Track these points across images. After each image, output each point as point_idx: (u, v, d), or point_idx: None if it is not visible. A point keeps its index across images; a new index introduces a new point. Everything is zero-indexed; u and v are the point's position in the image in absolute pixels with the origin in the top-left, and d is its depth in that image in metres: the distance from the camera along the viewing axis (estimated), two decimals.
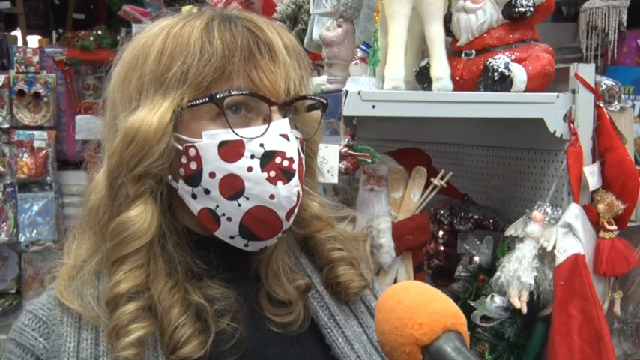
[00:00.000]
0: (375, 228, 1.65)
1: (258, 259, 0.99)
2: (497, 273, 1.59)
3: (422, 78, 1.63)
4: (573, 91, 1.61)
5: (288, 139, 0.92)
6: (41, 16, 5.82)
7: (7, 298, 4.53)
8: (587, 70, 1.62)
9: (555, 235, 1.57)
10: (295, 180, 0.92)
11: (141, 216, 0.90)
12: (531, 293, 1.57)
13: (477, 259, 1.74)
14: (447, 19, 1.64)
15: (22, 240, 4.41)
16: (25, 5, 5.34)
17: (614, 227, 1.60)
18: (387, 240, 1.64)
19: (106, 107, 0.98)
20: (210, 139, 0.90)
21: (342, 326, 1.01)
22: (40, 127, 4.46)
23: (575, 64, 1.63)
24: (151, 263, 0.92)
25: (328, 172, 1.57)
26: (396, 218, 1.68)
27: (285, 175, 0.91)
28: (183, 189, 0.93)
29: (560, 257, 1.55)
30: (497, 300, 1.59)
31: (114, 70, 0.97)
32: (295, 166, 0.92)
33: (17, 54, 4.40)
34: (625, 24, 1.84)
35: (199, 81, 0.90)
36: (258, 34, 0.93)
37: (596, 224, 1.61)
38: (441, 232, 1.92)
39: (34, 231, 4.43)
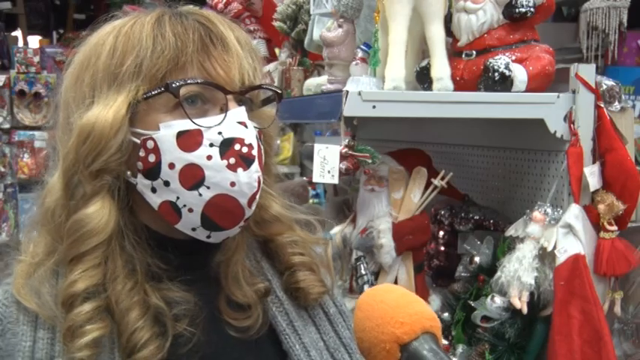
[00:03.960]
0: (375, 228, 1.65)
1: (218, 261, 0.99)
2: (498, 273, 1.59)
3: (422, 78, 1.63)
4: (574, 92, 1.61)
5: (246, 126, 0.92)
6: (42, 17, 5.83)
7: None
8: (587, 71, 1.62)
9: (556, 235, 1.57)
10: (255, 165, 0.92)
11: (98, 212, 0.89)
12: (532, 294, 1.57)
13: (477, 259, 1.74)
14: (448, 20, 1.64)
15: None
16: (26, 6, 5.35)
17: (615, 228, 1.60)
18: (387, 240, 1.64)
19: (58, 110, 0.98)
20: (167, 129, 0.90)
21: (300, 333, 1.00)
22: (41, 128, 4.46)
23: (576, 64, 1.63)
24: (108, 262, 0.90)
25: (329, 172, 1.57)
26: (397, 218, 1.68)
27: (245, 161, 0.91)
28: (142, 183, 0.92)
29: (561, 258, 1.55)
30: (498, 300, 1.59)
31: (65, 73, 0.98)
32: (255, 152, 0.92)
33: (18, 54, 4.40)
34: (625, 24, 1.84)
35: (154, 73, 0.90)
36: (209, 27, 0.94)
37: (597, 225, 1.61)
38: (441, 233, 1.92)
39: (34, 231, 4.43)
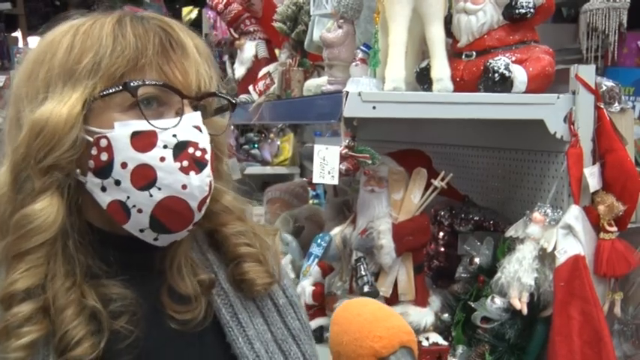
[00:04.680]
0: (375, 229, 1.65)
1: (162, 254, 0.98)
2: (498, 274, 1.59)
3: (422, 79, 1.63)
4: (574, 93, 1.61)
5: (200, 131, 0.93)
6: (42, 17, 5.82)
7: None
8: (587, 72, 1.62)
9: (556, 236, 1.57)
10: (207, 170, 0.93)
11: (46, 210, 0.88)
12: (532, 294, 1.57)
13: (477, 260, 1.74)
14: (448, 21, 1.64)
15: None
16: (26, 6, 5.35)
17: (615, 228, 1.60)
18: (387, 241, 1.64)
19: (7, 104, 0.97)
20: (122, 128, 0.90)
21: (245, 325, 1.00)
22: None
23: (576, 65, 1.63)
24: (50, 262, 0.90)
25: (329, 173, 1.57)
26: (397, 219, 1.68)
27: (198, 165, 0.92)
28: (92, 182, 0.92)
29: (561, 258, 1.55)
30: (498, 301, 1.59)
31: (18, 69, 0.98)
32: (208, 157, 0.93)
33: (18, 55, 4.41)
34: (625, 25, 1.84)
35: (112, 72, 0.90)
36: (170, 32, 0.95)
37: (597, 225, 1.61)
38: (441, 234, 1.92)
39: None
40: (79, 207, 0.94)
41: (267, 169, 5.19)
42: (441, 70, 1.57)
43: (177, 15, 4.12)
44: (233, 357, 0.99)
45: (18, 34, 5.28)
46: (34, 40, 5.38)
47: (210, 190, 0.94)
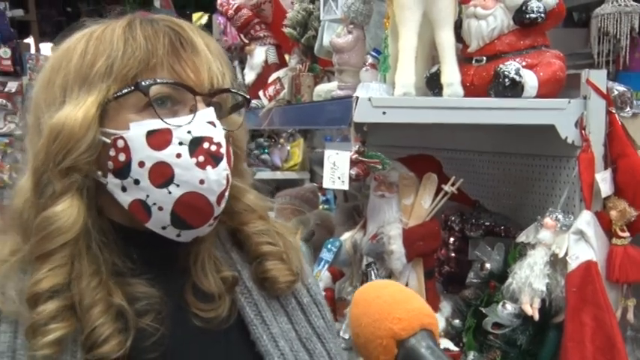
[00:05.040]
0: (385, 234, 1.65)
1: (186, 252, 1.00)
2: (509, 280, 1.58)
3: (432, 84, 1.62)
4: (585, 98, 1.61)
5: (214, 125, 0.94)
6: (54, 24, 5.88)
7: None
8: (598, 76, 1.61)
9: (567, 241, 1.56)
10: (224, 163, 0.94)
11: (67, 211, 0.90)
12: (543, 300, 1.56)
13: (488, 265, 1.74)
14: (458, 26, 1.64)
15: None
16: (38, 13, 5.40)
17: (627, 234, 1.59)
18: (397, 246, 1.64)
19: (28, 113, 1.00)
20: (137, 128, 0.92)
21: (269, 323, 1.01)
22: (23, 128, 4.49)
23: (587, 70, 1.62)
24: (75, 262, 0.91)
25: (339, 178, 1.58)
26: (407, 225, 1.68)
27: (214, 159, 0.93)
28: (112, 182, 0.94)
29: (573, 264, 1.54)
30: (509, 307, 1.58)
31: (37, 77, 1.00)
32: (223, 150, 0.94)
33: (30, 61, 4.44)
34: (637, 29, 1.83)
35: (125, 73, 0.92)
36: (179, 32, 0.96)
37: (609, 231, 1.60)
38: (451, 239, 1.92)
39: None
40: (100, 207, 0.96)
41: (277, 174, 5.20)
42: (451, 75, 1.57)
43: (187, 21, 4.14)
44: (258, 355, 0.99)
45: (30, 40, 5.32)
46: (46, 47, 5.42)
47: (227, 183, 0.95)
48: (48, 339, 0.87)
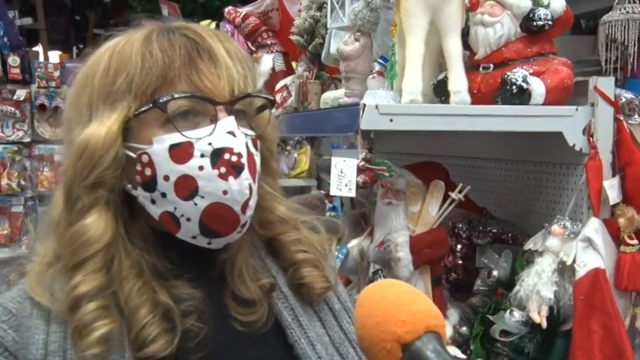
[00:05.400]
0: (392, 242, 1.65)
1: (222, 259, 1.02)
2: (517, 287, 1.58)
3: (439, 91, 1.62)
4: (592, 105, 1.60)
5: (234, 135, 0.95)
6: (62, 32, 5.92)
7: None
8: (606, 84, 1.61)
9: (575, 249, 1.55)
10: (245, 173, 0.95)
11: (95, 223, 0.93)
12: (551, 308, 1.55)
13: (495, 273, 1.73)
14: (465, 33, 1.64)
15: None
16: (47, 21, 5.43)
17: (636, 241, 1.58)
18: (404, 254, 1.63)
19: (63, 127, 1.02)
20: (160, 143, 0.94)
21: (305, 327, 1.03)
22: (61, 141, 4.50)
23: (595, 77, 1.62)
24: (114, 266, 0.94)
25: (346, 185, 1.58)
26: (414, 232, 1.67)
27: (235, 169, 0.94)
28: (142, 195, 0.96)
29: (581, 272, 1.53)
30: (517, 314, 1.58)
31: (68, 92, 1.03)
32: (244, 160, 0.95)
33: (39, 69, 4.46)
34: None
35: (143, 90, 0.93)
36: (196, 40, 0.96)
37: (617, 238, 1.59)
38: (459, 246, 1.91)
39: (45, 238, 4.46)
40: (136, 215, 0.99)
41: (284, 182, 5.20)
42: (458, 82, 1.57)
43: None
44: (295, 358, 1.01)
45: (39, 48, 5.36)
46: (54, 55, 5.46)
47: (250, 192, 0.96)
48: (94, 336, 0.89)
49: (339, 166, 1.58)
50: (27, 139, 4.45)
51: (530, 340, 1.59)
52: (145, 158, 0.94)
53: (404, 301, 0.82)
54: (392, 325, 0.79)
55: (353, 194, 1.58)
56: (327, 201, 3.38)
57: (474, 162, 2.12)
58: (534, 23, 1.59)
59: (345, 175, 1.57)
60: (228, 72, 0.95)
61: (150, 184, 0.95)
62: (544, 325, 1.54)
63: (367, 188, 1.69)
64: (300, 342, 1.01)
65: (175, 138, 0.93)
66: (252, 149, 0.98)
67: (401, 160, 1.83)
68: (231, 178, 0.93)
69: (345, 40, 1.82)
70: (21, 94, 4.39)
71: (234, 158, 0.94)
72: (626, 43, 1.81)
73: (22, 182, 4.40)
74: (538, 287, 1.54)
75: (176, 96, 0.93)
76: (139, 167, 0.95)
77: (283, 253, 1.07)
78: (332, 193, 1.62)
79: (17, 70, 4.35)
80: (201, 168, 0.93)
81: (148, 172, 0.94)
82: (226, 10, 2.59)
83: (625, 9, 1.81)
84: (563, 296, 1.56)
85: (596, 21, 2.00)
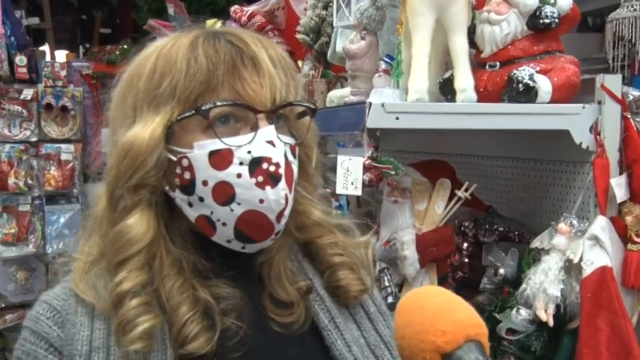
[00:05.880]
0: (398, 240, 1.65)
1: (260, 262, 1.03)
2: (523, 285, 1.58)
3: (446, 90, 1.62)
4: (599, 103, 1.60)
5: (274, 145, 0.96)
6: (69, 32, 5.92)
7: None
8: (613, 81, 1.61)
9: (582, 247, 1.55)
10: (282, 184, 0.96)
11: (137, 223, 0.95)
12: (558, 306, 1.55)
13: (502, 271, 1.73)
14: (471, 31, 1.63)
15: (49, 251, 4.46)
16: (54, 21, 5.43)
17: None
18: (411, 252, 1.64)
19: (108, 126, 1.04)
20: (200, 149, 0.95)
21: (342, 329, 1.04)
22: (67, 140, 4.52)
23: (602, 75, 1.62)
24: (155, 263, 0.96)
25: (352, 184, 1.58)
26: (420, 230, 1.67)
27: (273, 179, 0.95)
28: (180, 198, 0.98)
29: (587, 270, 1.53)
30: (523, 313, 1.58)
31: (113, 91, 1.04)
32: (282, 171, 0.96)
33: (45, 68, 4.47)
34: None
35: (187, 95, 0.94)
36: (241, 47, 0.97)
37: (624, 236, 1.59)
38: (465, 244, 1.91)
39: (61, 243, 4.48)
40: (176, 215, 1.00)
41: None
42: (464, 80, 1.56)
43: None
44: (332, 359, 1.02)
45: (46, 47, 5.36)
46: (61, 54, 5.47)
47: (286, 202, 0.97)
48: (137, 332, 0.91)
49: (345, 164, 1.58)
50: (34, 139, 4.45)
51: (536, 338, 1.59)
52: (185, 162, 0.96)
53: (443, 310, 0.80)
54: (431, 335, 0.77)
55: (359, 193, 1.58)
56: (333, 199, 3.38)
57: (480, 160, 2.12)
58: (541, 21, 1.58)
59: (351, 174, 1.57)
60: (270, 80, 0.96)
61: (188, 188, 0.96)
62: (551, 323, 1.54)
63: (373, 186, 1.69)
64: (337, 343, 1.02)
65: (216, 144, 0.94)
66: (291, 158, 0.99)
67: (407, 159, 1.83)
68: (268, 188, 0.94)
69: (351, 39, 1.82)
70: (28, 93, 4.40)
71: (272, 168, 0.95)
72: (633, 41, 1.80)
73: (29, 181, 4.41)
74: (545, 285, 1.54)
75: (218, 104, 0.94)
76: (178, 170, 0.96)
77: (320, 256, 1.08)
78: (338, 191, 1.62)
79: (24, 70, 4.35)
80: (239, 176, 0.94)
81: (187, 175, 0.96)
82: (232, 8, 2.59)
83: (632, 6, 1.80)
84: (570, 294, 1.56)
85: (603, 18, 1.99)
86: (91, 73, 4.62)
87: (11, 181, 4.34)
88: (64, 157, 4.48)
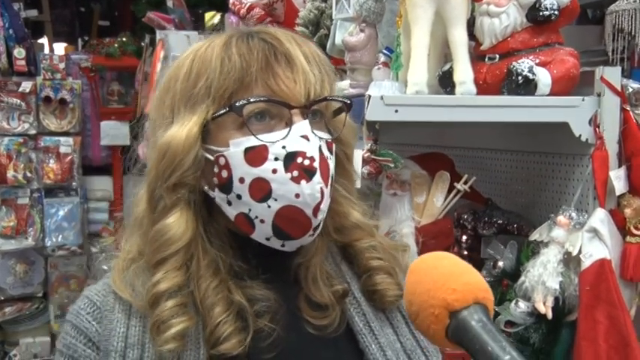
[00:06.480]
0: (398, 232, 1.65)
1: (297, 263, 1.04)
2: (522, 278, 1.58)
3: (445, 82, 1.62)
4: (599, 95, 1.60)
5: (308, 140, 0.96)
6: (67, 24, 5.91)
7: (33, 302, 4.59)
8: (613, 74, 1.60)
9: (581, 239, 1.55)
10: (317, 177, 0.96)
11: (176, 222, 0.97)
12: (556, 298, 1.55)
13: (500, 264, 1.73)
14: (471, 23, 1.63)
15: (48, 244, 4.47)
16: (52, 13, 5.42)
17: None
18: (410, 244, 1.63)
19: (148, 128, 1.07)
20: (236, 146, 0.96)
21: (377, 333, 1.04)
22: (66, 133, 4.52)
23: (601, 67, 1.62)
24: (192, 264, 0.98)
25: None
26: (419, 223, 1.68)
27: (308, 173, 0.95)
28: (219, 197, 0.99)
29: (586, 262, 1.53)
30: (522, 305, 1.58)
31: (154, 95, 1.05)
32: (316, 164, 0.96)
33: (44, 61, 4.46)
34: None
35: (221, 94, 0.96)
36: (274, 44, 0.98)
37: (623, 229, 1.59)
38: (464, 237, 1.91)
39: (60, 236, 4.49)
40: (214, 216, 1.02)
41: None
42: (463, 73, 1.56)
43: (199, 20, 4.15)
44: None
45: (44, 40, 5.35)
46: (59, 47, 5.46)
47: (322, 196, 0.97)
48: (171, 333, 0.93)
49: None
50: (32, 131, 4.46)
51: (535, 330, 1.60)
52: (222, 160, 0.97)
53: (455, 272, 0.84)
54: (442, 292, 0.80)
55: (358, 185, 1.58)
56: None
57: (480, 153, 2.12)
58: (540, 13, 1.58)
59: None
60: (304, 76, 0.96)
61: (226, 186, 0.97)
62: (549, 315, 1.54)
63: (372, 179, 1.69)
64: (371, 347, 1.02)
65: (251, 141, 0.95)
66: (327, 152, 0.98)
67: (406, 151, 1.83)
68: (303, 182, 0.95)
69: (350, 31, 1.81)
70: (26, 86, 4.40)
71: (307, 162, 0.95)
72: (633, 33, 1.80)
73: (28, 174, 4.41)
74: (543, 278, 1.54)
75: (252, 100, 0.94)
76: (216, 169, 0.97)
77: (358, 259, 1.08)
78: None
79: (22, 62, 4.35)
80: (274, 171, 0.95)
81: (224, 174, 0.97)
82: (231, 1, 2.58)
83: None
84: (569, 287, 1.56)
85: (602, 11, 1.99)
86: (89, 65, 4.62)
87: (10, 174, 4.34)
88: (62, 149, 4.48)
